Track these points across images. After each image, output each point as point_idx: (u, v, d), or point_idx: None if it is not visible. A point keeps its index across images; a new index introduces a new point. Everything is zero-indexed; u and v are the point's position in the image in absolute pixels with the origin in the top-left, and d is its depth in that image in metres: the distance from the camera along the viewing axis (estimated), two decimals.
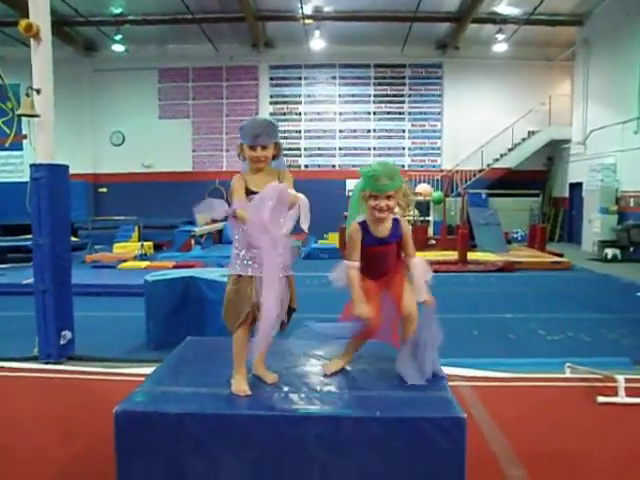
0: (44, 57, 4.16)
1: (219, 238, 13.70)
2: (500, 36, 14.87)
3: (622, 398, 3.28)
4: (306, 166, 17.09)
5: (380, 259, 2.41)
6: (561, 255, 11.33)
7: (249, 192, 2.28)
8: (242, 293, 2.25)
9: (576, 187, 15.00)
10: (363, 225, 2.39)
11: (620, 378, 3.34)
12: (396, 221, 2.40)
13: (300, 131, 17.19)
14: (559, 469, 2.57)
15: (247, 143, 2.30)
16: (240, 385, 2.25)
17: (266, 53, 16.76)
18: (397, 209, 2.40)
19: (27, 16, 4.08)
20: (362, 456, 2.03)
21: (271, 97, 17.17)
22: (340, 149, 17.25)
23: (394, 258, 2.44)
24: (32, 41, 4.12)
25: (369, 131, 16.89)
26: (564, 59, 16.02)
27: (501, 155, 16.14)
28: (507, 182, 15.46)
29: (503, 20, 14.36)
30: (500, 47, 15.47)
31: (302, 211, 2.24)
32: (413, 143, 17.08)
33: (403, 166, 16.94)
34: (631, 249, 11.44)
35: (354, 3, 14.09)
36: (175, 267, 8.46)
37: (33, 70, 4.14)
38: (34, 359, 4.25)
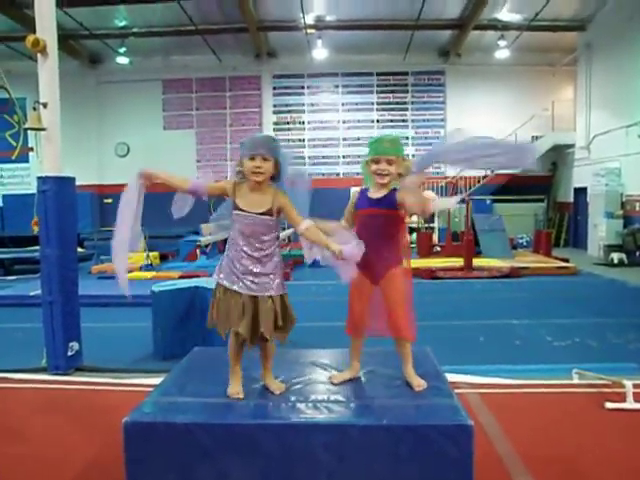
0: (50, 71, 4.21)
1: (224, 247, 13.70)
2: (502, 42, 14.92)
3: (631, 404, 3.26)
4: (310, 175, 17.10)
5: (370, 230, 2.38)
6: (567, 260, 11.28)
7: (236, 207, 2.39)
8: (227, 303, 2.44)
9: (581, 192, 14.96)
10: (363, 191, 2.50)
11: (628, 384, 3.32)
12: (394, 190, 2.42)
13: (304, 140, 17.25)
14: (567, 476, 2.55)
15: (247, 154, 2.33)
16: (233, 388, 2.34)
17: (269, 63, 16.86)
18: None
19: (34, 31, 4.14)
20: (369, 464, 2.03)
21: (274, 106, 17.27)
22: (344, 157, 17.30)
23: (388, 242, 2.40)
24: (39, 56, 4.17)
25: None
26: (566, 64, 16.01)
27: None
28: (511, 188, 15.41)
29: (505, 26, 14.40)
30: (502, 53, 15.51)
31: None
32: (417, 150, 17.08)
33: None
34: (637, 253, 11.39)
35: (356, 12, 14.16)
36: (181, 277, 8.49)
37: (40, 84, 4.19)
38: (42, 370, 4.27)
